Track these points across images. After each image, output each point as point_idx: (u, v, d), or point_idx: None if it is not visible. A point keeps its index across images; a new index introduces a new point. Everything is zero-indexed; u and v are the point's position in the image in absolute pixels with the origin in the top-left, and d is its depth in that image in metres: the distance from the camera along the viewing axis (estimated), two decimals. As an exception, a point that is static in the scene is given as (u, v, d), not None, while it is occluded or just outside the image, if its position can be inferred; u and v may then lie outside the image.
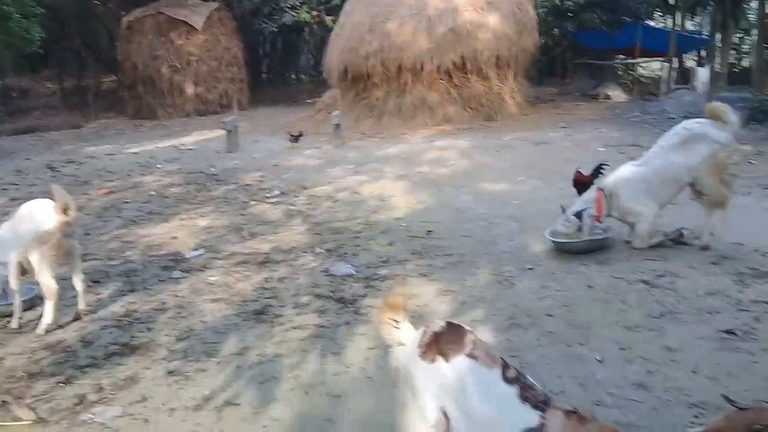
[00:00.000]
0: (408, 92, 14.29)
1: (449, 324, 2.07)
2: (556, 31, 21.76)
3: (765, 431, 1.60)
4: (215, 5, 20.99)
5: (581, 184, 5.24)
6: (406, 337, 2.17)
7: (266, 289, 4.32)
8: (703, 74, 17.38)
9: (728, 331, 3.22)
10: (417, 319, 3.62)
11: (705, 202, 4.63)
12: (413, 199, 6.91)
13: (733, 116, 4.60)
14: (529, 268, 4.42)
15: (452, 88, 14.35)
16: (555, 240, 4.71)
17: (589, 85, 21.28)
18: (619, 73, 23.71)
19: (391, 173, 8.58)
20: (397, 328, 2.19)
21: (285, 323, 3.71)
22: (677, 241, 4.74)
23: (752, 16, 19.88)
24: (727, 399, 1.77)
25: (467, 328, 2.07)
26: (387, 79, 14.35)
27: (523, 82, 16.09)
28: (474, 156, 9.71)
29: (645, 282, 4.02)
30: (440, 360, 1.95)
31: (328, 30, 18.08)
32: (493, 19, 14.37)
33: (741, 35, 22.35)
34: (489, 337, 3.34)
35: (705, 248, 4.58)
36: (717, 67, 16.13)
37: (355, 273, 4.52)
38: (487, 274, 4.35)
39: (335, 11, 18.70)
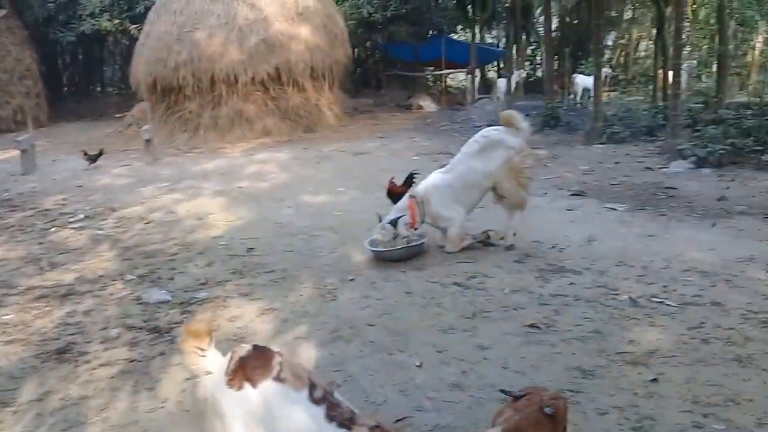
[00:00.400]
0: (223, 104, 13.96)
1: (255, 348, 2.01)
2: (368, 43, 22.42)
3: (555, 408, 1.71)
4: (2, 12, 19.06)
5: (395, 194, 5.39)
6: (212, 365, 2.07)
7: (69, 324, 3.94)
8: (502, 84, 18.80)
9: (532, 325, 3.47)
10: (239, 341, 3.51)
11: (506, 205, 4.98)
12: (233, 216, 6.71)
13: (524, 123, 4.99)
14: (351, 279, 4.46)
15: (269, 100, 14.25)
16: (374, 249, 4.80)
17: (402, 96, 22.18)
18: (429, 84, 25.01)
19: (208, 190, 8.28)
20: (202, 356, 2.08)
21: (92, 361, 3.40)
22: (485, 242, 5.04)
23: (542, 30, 21.79)
24: (503, 391, 1.88)
25: (274, 350, 2.03)
26: (200, 91, 13.90)
27: (339, 93, 16.38)
28: (294, 168, 9.68)
29: (458, 284, 4.22)
30: (247, 386, 1.89)
31: (134, 39, 17.14)
32: (304, 31, 14.50)
33: (534, 47, 24.48)
34: (312, 353, 3.31)
35: (510, 248, 4.92)
36: (515, 77, 17.54)
37: (170, 299, 4.27)
38: (310, 288, 4.32)
39: (139, 19, 17.77)
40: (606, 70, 20.32)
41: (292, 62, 14.17)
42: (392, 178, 5.83)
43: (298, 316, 3.85)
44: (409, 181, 5.67)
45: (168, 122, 14.24)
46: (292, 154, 11.15)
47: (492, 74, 28.09)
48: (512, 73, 16.09)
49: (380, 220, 4.85)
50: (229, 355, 2.01)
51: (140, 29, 16.22)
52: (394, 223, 4.75)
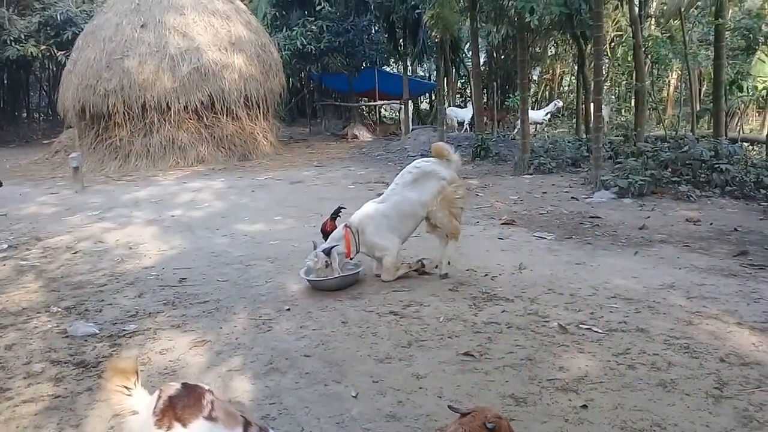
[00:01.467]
0: (156, 132, 13.74)
1: (185, 385, 1.97)
2: (303, 73, 22.53)
3: (497, 425, 1.78)
4: None
5: (329, 232, 5.35)
6: (139, 404, 2.00)
7: (-10, 360, 3.76)
8: (459, 114, 19.07)
9: (466, 354, 3.53)
10: (170, 375, 3.44)
11: (439, 234, 5.08)
12: (165, 246, 6.57)
13: (455, 155, 5.13)
14: (287, 309, 4.43)
15: (203, 128, 14.12)
16: (309, 278, 4.80)
17: (337, 126, 22.38)
18: (364, 114, 25.28)
19: (140, 218, 8.09)
20: (128, 395, 2.01)
21: (14, 398, 3.25)
22: (420, 271, 5.12)
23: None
24: (451, 408, 1.94)
25: (205, 387, 2.00)
26: (131, 119, 13.65)
27: (274, 122, 16.40)
28: (229, 197, 9.58)
29: (394, 313, 4.25)
30: (177, 426, 1.85)
31: (62, 66, 16.69)
32: (238, 60, 14.51)
33: (463, 81, 25.12)
34: (246, 385, 3.26)
35: (444, 277, 5.00)
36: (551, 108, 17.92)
37: (98, 332, 4.13)
38: (245, 319, 4.27)
39: (67, 46, 17.33)
40: (558, 103, 21.13)
41: (226, 91, 14.13)
42: (327, 219, 5.76)
43: (232, 347, 3.79)
44: (336, 215, 5.67)
45: (98, 150, 13.90)
46: (226, 183, 11.03)
47: (424, 105, 28.61)
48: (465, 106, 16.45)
49: (315, 248, 4.86)
50: (156, 394, 1.95)
51: (68, 55, 15.82)
52: (327, 252, 4.76)
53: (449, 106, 20.22)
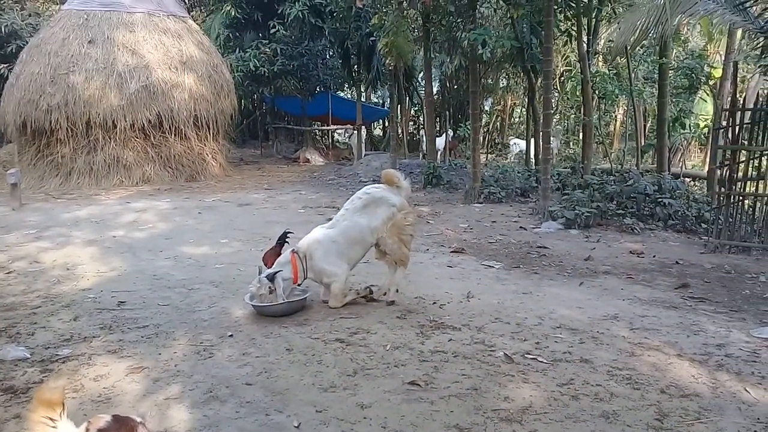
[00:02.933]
0: (100, 150, 13.43)
1: (115, 418, 1.87)
2: (255, 95, 22.44)
3: None
4: None
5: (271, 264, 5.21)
6: None
7: None
8: (439, 142, 18.86)
9: (412, 383, 3.47)
10: (104, 403, 3.28)
11: (388, 261, 5.04)
12: (104, 267, 6.35)
13: (405, 182, 5.13)
14: (230, 335, 4.30)
15: (149, 147, 13.87)
16: (254, 304, 4.68)
17: (289, 149, 22.31)
18: (317, 138, 25.28)
19: (79, 238, 7.81)
20: (53, 427, 1.89)
21: (-68, 427, 3.05)
22: (368, 298, 5.06)
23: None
24: None
25: (137, 419, 1.89)
26: (74, 136, 13.33)
27: (224, 143, 16.21)
28: (174, 218, 9.36)
29: (340, 340, 4.17)
30: None
31: (4, 79, 16.18)
32: (188, 80, 14.36)
33: (417, 109, 25.42)
34: (184, 415, 3.13)
35: (391, 303, 4.96)
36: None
37: (29, 356, 3.92)
38: (185, 345, 4.12)
39: (11, 59, 16.83)
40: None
41: (175, 110, 13.94)
42: (268, 253, 5.55)
43: (171, 375, 3.64)
44: (282, 240, 5.57)
45: (38, 166, 13.49)
46: (172, 204, 10.79)
47: (377, 131, 28.77)
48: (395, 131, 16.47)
49: (260, 273, 4.75)
50: (84, 427, 1.84)
51: (11, 69, 15.36)
52: (271, 277, 4.65)
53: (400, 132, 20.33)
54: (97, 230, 8.36)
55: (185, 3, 20.41)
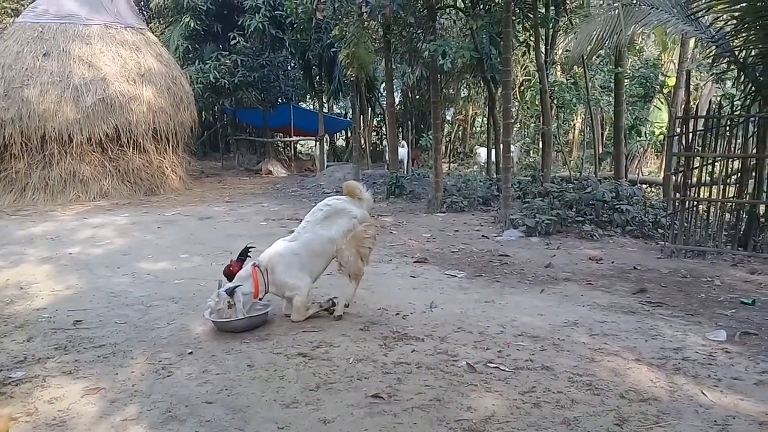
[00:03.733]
0: (56, 165, 13.12)
1: None
2: (216, 107, 22.25)
3: None
4: None
5: (233, 276, 5.14)
6: None
7: None
8: (403, 153, 18.82)
9: (375, 396, 3.45)
10: (58, 427, 3.18)
11: (344, 273, 5.02)
12: (60, 285, 6.18)
13: (366, 194, 5.12)
14: (189, 353, 4.22)
15: (107, 161, 13.61)
16: (215, 320, 4.61)
17: (252, 161, 22.14)
18: (280, 149, 25.15)
19: (34, 256, 7.60)
20: None
21: None
22: (331, 310, 5.02)
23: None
24: None
25: None
26: (29, 150, 12.98)
27: (185, 156, 16.01)
28: (133, 233, 9.18)
29: (303, 354, 4.13)
30: None
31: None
32: (147, 92, 14.16)
33: (379, 119, 25.49)
34: (142, 436, 3.06)
35: (338, 319, 4.89)
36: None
37: (-21, 380, 3.80)
38: (143, 364, 4.03)
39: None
40: (520, 144, 21.60)
41: (133, 123, 13.73)
42: (231, 260, 5.50)
43: (128, 395, 3.56)
44: (244, 254, 5.49)
45: (-9, 182, 13.11)
46: (131, 218, 10.60)
47: (340, 142, 28.77)
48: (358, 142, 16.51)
49: (220, 287, 4.67)
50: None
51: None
52: (230, 292, 4.59)
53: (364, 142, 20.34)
54: (53, 247, 8.15)
55: (143, 15, 20.19)
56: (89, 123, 13.25)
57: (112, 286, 6.14)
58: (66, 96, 13.24)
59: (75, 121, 13.13)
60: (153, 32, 17.87)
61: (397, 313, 5.10)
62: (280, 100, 21.24)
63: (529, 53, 15.13)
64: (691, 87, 17.50)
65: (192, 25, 18.28)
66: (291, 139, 22.67)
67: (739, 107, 8.20)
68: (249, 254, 5.44)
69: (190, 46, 19.22)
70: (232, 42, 18.22)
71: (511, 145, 11.01)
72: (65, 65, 13.60)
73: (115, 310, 5.31)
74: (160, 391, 3.61)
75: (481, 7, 12.10)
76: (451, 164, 23.65)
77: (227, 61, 18.08)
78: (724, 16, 8.24)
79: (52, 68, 13.49)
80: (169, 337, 4.56)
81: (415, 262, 7.19)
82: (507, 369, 3.86)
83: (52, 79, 13.34)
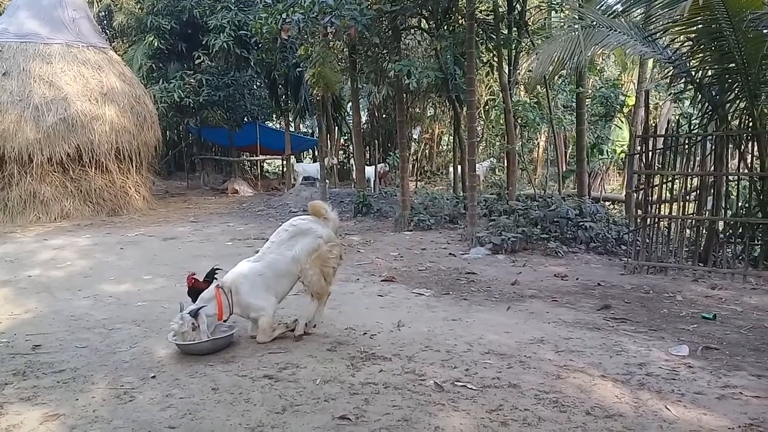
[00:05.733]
0: (15, 185, 12.83)
1: None
2: (181, 126, 22.04)
3: None
4: None
5: (197, 291, 5.09)
6: None
7: None
8: (370, 171, 18.49)
9: (342, 417, 3.42)
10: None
11: (308, 292, 4.98)
12: (18, 309, 6.02)
13: (332, 213, 5.12)
14: (152, 377, 4.14)
15: (68, 181, 13.36)
16: (178, 343, 4.52)
17: (217, 180, 21.94)
18: (246, 168, 24.99)
19: (-9, 279, 7.41)
20: None
21: None
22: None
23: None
24: None
25: None
26: (-12, 171, 12.67)
27: (149, 175, 15.82)
28: (95, 254, 9.01)
29: (268, 376, 4.08)
30: None
31: None
32: (110, 112, 13.99)
33: (346, 138, 25.53)
34: (102, 464, 2.98)
35: (298, 339, 4.86)
36: (327, 163, 18.01)
37: (-69, 408, 3.66)
38: (104, 389, 3.93)
39: None
40: (489, 162, 21.69)
41: (96, 143, 13.52)
42: (192, 274, 5.47)
43: (89, 421, 3.47)
44: (211, 276, 5.42)
45: (-52, 203, 12.76)
46: (93, 240, 10.39)
47: (307, 161, 28.72)
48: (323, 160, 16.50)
49: (182, 309, 4.60)
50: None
51: None
52: (194, 313, 4.51)
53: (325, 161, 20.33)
54: (11, 270, 7.95)
55: (106, 34, 19.96)
56: (50, 143, 13.00)
57: (72, 309, 6.00)
58: (26, 115, 12.99)
59: (35, 141, 12.87)
60: (116, 51, 17.68)
61: (365, 333, 5.08)
62: (246, 120, 21.15)
63: (493, 73, 15.35)
64: (651, 106, 17.97)
65: (156, 44, 18.12)
66: (257, 158, 22.55)
67: (696, 126, 8.42)
68: (216, 276, 5.37)
69: (153, 66, 19.03)
70: (197, 61, 18.12)
71: (480, 164, 11.11)
72: (25, 84, 13.36)
73: (76, 333, 5.19)
74: (122, 416, 3.52)
75: (445, 28, 12.26)
76: (418, 182, 23.76)
77: (192, 80, 17.94)
78: (681, 38, 8.49)
79: (12, 88, 13.24)
80: (132, 361, 4.47)
81: (382, 280, 7.19)
82: (474, 387, 3.86)
83: (11, 99, 13.08)
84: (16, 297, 6.55)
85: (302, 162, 23.73)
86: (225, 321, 4.79)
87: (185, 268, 7.75)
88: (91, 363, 4.45)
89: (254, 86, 21.02)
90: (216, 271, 5.46)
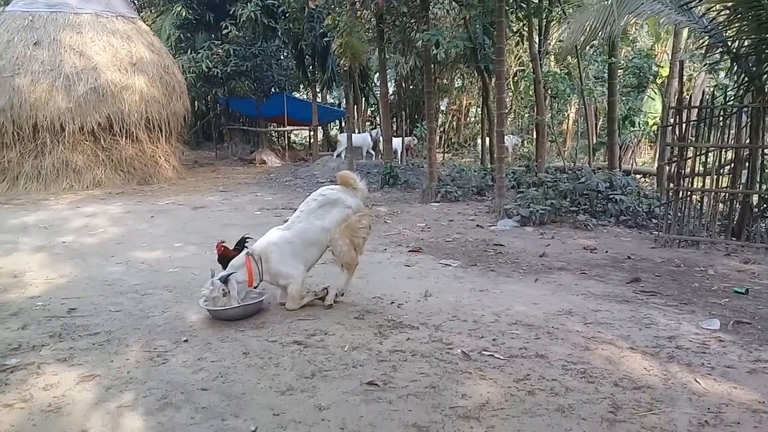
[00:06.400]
0: (48, 154, 13.04)
1: None
2: (209, 97, 22.13)
3: None
4: None
5: (227, 258, 5.14)
6: None
7: None
8: (397, 143, 18.40)
9: (370, 383, 3.47)
10: (54, 413, 3.18)
11: (337, 262, 5.02)
12: (54, 274, 6.16)
13: (361, 184, 5.12)
14: (184, 340, 4.23)
15: (99, 150, 13.55)
16: (210, 308, 4.60)
17: (245, 150, 22.04)
18: (273, 139, 25.06)
19: (27, 245, 7.57)
20: None
21: None
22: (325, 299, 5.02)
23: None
24: None
25: None
26: (21, 139, 12.90)
27: (178, 145, 15.95)
28: (127, 222, 9.16)
29: (298, 342, 4.14)
30: None
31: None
32: (139, 82, 14.07)
33: (373, 109, 25.43)
34: (138, 422, 3.06)
35: (328, 307, 4.91)
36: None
37: (-26, 367, 3.79)
38: (138, 352, 4.03)
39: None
40: (515, 138, 21.46)
41: (126, 112, 13.65)
42: (221, 241, 5.52)
43: (124, 382, 3.56)
44: (241, 244, 5.47)
45: (-18, 172, 13.04)
46: (124, 208, 10.56)
47: (334, 132, 28.70)
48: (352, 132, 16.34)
49: (213, 276, 4.67)
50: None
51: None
52: (224, 279, 4.58)
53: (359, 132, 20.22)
54: (46, 236, 8.12)
55: (135, 4, 20.04)
56: (81, 112, 13.17)
57: (106, 274, 6.13)
58: (57, 85, 13.15)
59: (67, 110, 13.04)
60: (144, 21, 17.73)
61: (392, 302, 5.11)
62: (273, 90, 21.15)
63: (523, 43, 15.12)
64: (685, 77, 17.51)
65: (184, 14, 18.14)
66: (284, 128, 22.59)
67: (732, 97, 8.23)
68: (246, 244, 5.43)
69: (182, 36, 19.07)
70: (225, 31, 18.11)
71: (511, 136, 11.00)
72: (56, 54, 13.49)
73: (110, 298, 5.30)
74: (156, 377, 3.61)
75: (475, -4, 12.08)
76: (446, 154, 23.63)
77: (219, 51, 17.96)
78: (717, 7, 8.25)
79: (43, 57, 13.38)
80: (164, 325, 4.56)
81: (409, 251, 7.20)
82: (501, 357, 3.87)
83: (43, 68, 13.24)
84: (51, 262, 6.71)
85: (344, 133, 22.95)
86: (255, 288, 4.85)
87: (215, 236, 7.83)
88: (125, 326, 4.55)
89: (281, 56, 20.99)
90: (246, 240, 5.51)
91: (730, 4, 7.94)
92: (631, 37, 20.01)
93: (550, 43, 16.55)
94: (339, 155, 17.75)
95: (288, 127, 22.34)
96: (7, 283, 5.85)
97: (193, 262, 6.62)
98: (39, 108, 12.88)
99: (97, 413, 3.17)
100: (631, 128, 17.61)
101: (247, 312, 4.69)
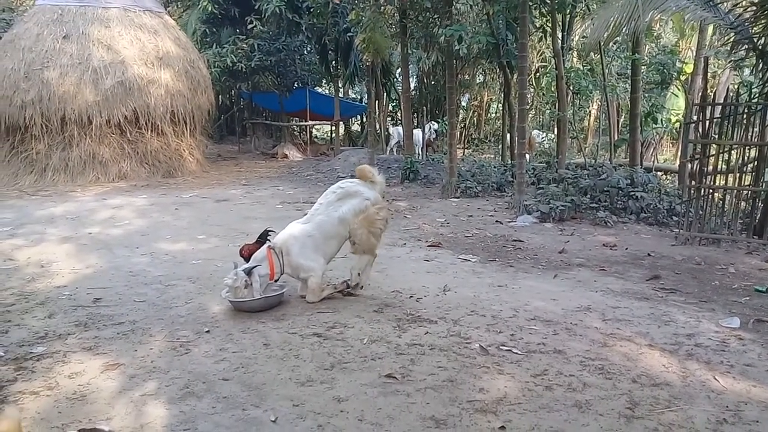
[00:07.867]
0: (75, 146, 13.24)
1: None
2: (233, 91, 22.29)
3: None
4: None
5: (249, 258, 5.19)
6: None
7: None
8: (417, 137, 18.41)
9: (389, 375, 3.51)
10: (79, 400, 3.27)
11: (357, 251, 5.08)
12: (80, 264, 6.30)
13: (379, 177, 5.18)
14: (207, 331, 4.31)
15: (126, 143, 13.73)
16: (232, 299, 4.69)
17: (267, 144, 22.20)
18: (296, 133, 25.19)
19: (54, 235, 7.73)
20: None
21: None
22: (345, 292, 5.09)
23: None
24: None
25: (105, 429, 1.88)
26: (49, 132, 13.11)
27: (202, 139, 16.10)
28: (151, 214, 9.30)
29: (317, 335, 4.20)
30: None
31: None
32: (165, 75, 14.22)
33: (395, 104, 25.43)
34: (160, 411, 3.14)
35: (355, 287, 5.05)
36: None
37: (2, 354, 3.89)
38: (161, 342, 4.12)
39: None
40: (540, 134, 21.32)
41: (151, 106, 13.81)
42: (245, 245, 5.52)
43: (147, 371, 3.65)
44: (264, 237, 5.55)
45: (12, 163, 13.28)
46: (149, 200, 10.72)
47: (356, 127, 28.76)
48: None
49: (235, 268, 4.75)
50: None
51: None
52: (248, 272, 4.66)
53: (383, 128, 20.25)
54: (73, 227, 8.28)
55: (161, -2, 20.22)
56: (108, 105, 13.36)
57: (131, 265, 6.25)
58: (85, 78, 13.35)
59: (94, 103, 13.24)
60: (171, 16, 17.91)
61: (411, 296, 5.15)
62: (296, 85, 21.25)
63: (546, 39, 15.06)
64: (709, 74, 17.27)
65: (209, 8, 18.27)
66: (307, 123, 22.69)
67: (757, 95, 8.11)
68: (268, 237, 5.50)
69: (207, 30, 19.22)
70: (249, 26, 18.21)
71: (537, 131, 10.97)
72: (84, 48, 13.69)
73: (134, 288, 5.41)
74: (179, 367, 3.69)
75: (499, -9, 12.03)
76: (466, 150, 23.58)
77: (244, 45, 18.07)
78: (744, 3, 8.15)
79: (72, 51, 13.58)
80: (187, 316, 4.65)
81: (428, 246, 7.24)
82: (519, 352, 3.90)
83: (71, 62, 13.44)
84: (77, 253, 6.85)
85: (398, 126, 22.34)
86: (276, 281, 4.93)
87: (237, 229, 7.99)
88: (149, 316, 4.65)
89: (305, 51, 21.07)
90: (269, 233, 5.59)
91: (756, 0, 7.84)
92: (655, 33, 19.78)
93: (573, 39, 16.44)
94: (391, 150, 17.68)
95: (310, 122, 22.44)
96: (35, 272, 5.99)
97: (215, 254, 6.72)
98: (67, 101, 13.09)
99: (120, 401, 3.26)
100: (654, 125, 17.44)
101: (269, 304, 4.77)
